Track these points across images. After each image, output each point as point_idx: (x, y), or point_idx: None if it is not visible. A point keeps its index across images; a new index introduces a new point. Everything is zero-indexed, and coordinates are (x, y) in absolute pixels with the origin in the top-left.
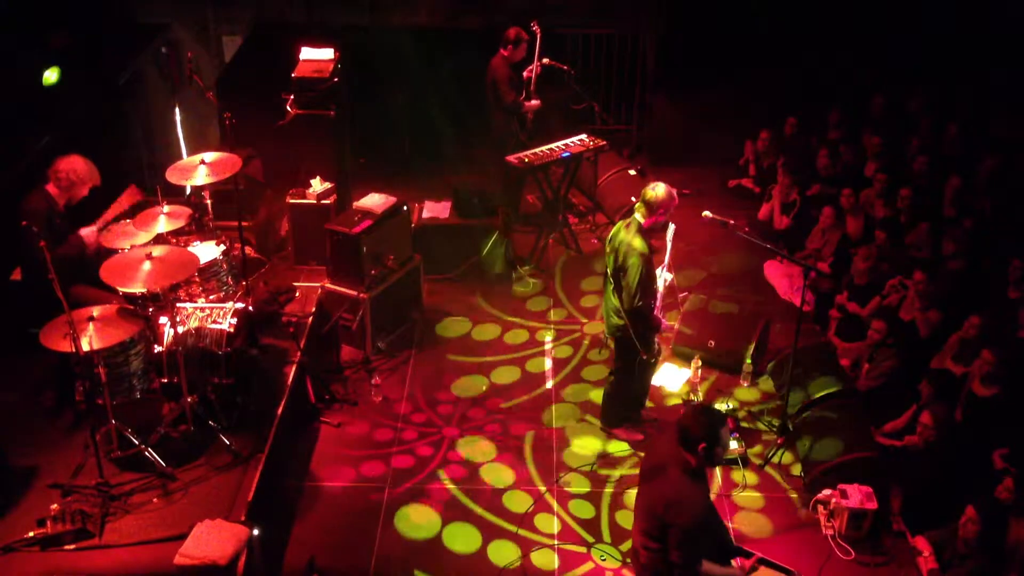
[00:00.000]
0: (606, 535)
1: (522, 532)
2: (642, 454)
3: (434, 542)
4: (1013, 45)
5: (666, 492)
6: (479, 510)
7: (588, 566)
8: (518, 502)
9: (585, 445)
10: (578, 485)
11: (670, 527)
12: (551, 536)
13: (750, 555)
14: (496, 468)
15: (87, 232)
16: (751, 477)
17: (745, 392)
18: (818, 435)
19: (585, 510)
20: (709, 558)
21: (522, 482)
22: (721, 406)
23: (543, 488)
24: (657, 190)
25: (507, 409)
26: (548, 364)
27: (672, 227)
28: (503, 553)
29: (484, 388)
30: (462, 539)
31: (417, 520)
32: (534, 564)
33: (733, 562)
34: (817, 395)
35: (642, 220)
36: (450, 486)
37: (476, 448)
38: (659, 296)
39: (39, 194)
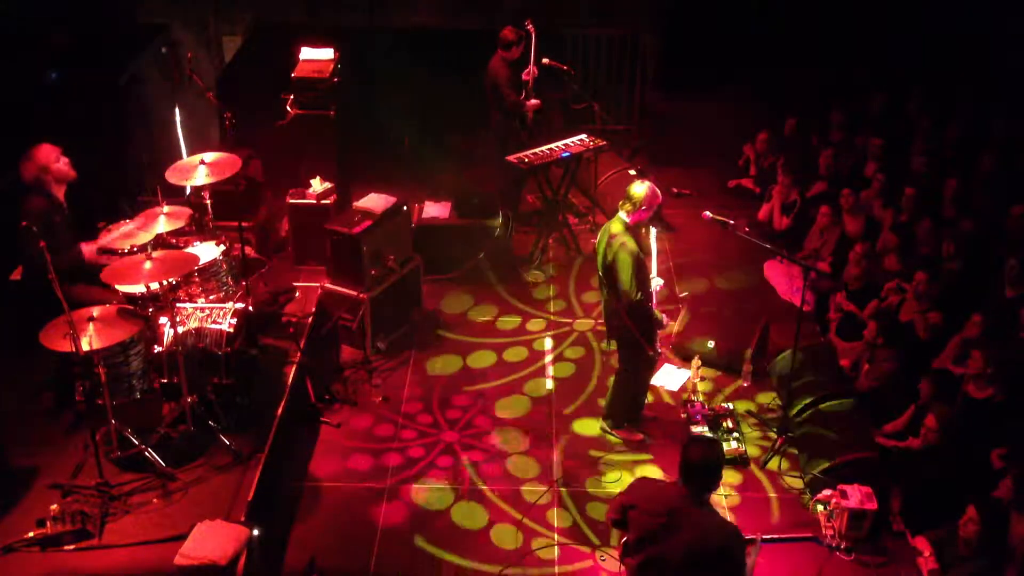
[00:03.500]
0: (614, 539)
1: (527, 521)
2: (640, 455)
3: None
4: (1013, 45)
5: (709, 538)
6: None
7: (586, 563)
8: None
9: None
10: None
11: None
12: (556, 530)
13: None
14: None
15: (88, 248)
16: (751, 476)
17: (745, 392)
18: (817, 434)
19: (598, 512)
20: None
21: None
22: (721, 405)
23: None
24: (641, 187)
25: (502, 412)
26: (549, 372)
27: (654, 231)
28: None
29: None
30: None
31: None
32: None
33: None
34: (816, 394)
35: (627, 217)
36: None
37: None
38: (654, 296)
39: (39, 192)
